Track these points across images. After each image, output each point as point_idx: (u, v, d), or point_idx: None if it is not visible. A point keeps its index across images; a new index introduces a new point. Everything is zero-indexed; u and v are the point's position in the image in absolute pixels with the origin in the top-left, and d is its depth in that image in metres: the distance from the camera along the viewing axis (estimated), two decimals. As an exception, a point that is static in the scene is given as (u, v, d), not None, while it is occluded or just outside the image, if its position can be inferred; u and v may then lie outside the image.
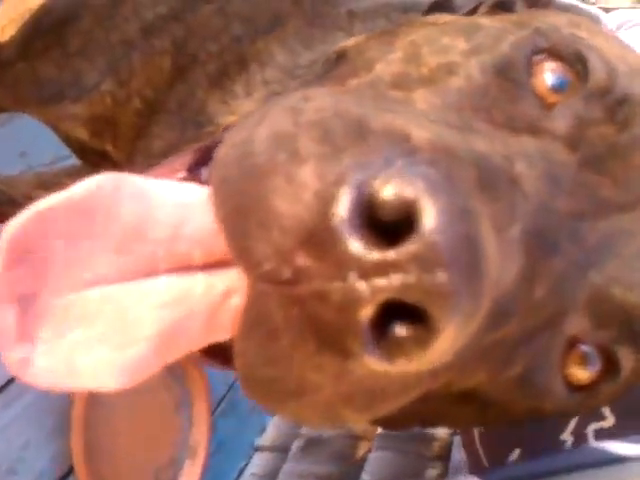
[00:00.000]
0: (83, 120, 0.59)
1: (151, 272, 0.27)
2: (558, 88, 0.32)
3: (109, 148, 0.61)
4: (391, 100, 0.31)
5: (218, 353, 0.30)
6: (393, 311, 0.22)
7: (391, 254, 0.21)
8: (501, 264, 0.24)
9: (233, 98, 0.53)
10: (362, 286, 0.22)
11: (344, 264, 0.22)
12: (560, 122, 0.31)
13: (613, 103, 0.32)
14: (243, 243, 0.24)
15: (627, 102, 0.32)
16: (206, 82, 0.54)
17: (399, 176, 0.22)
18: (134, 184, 0.28)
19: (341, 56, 0.39)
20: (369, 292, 0.21)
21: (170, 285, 0.27)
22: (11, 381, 1.00)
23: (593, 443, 0.40)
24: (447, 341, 0.22)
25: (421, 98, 0.31)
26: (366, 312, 0.22)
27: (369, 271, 0.21)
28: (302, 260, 0.22)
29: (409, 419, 0.36)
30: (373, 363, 0.23)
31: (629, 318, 0.32)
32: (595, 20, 0.44)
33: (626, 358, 0.32)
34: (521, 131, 0.31)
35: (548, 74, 0.32)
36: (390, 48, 0.35)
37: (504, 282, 0.25)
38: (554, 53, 0.33)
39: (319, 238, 0.22)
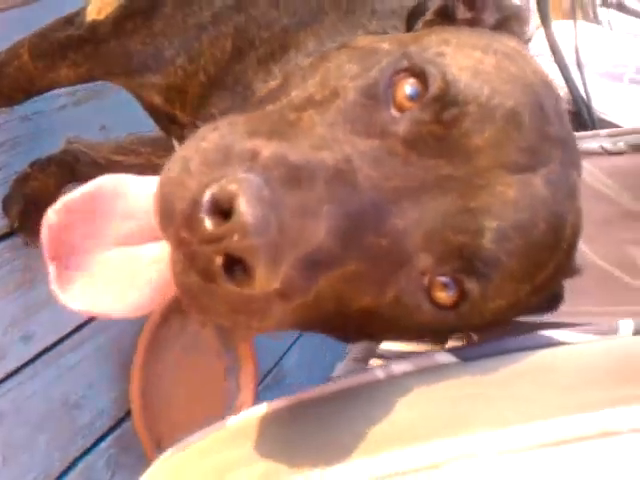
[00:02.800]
0: (160, 88, 0.71)
1: (141, 240, 0.42)
2: (412, 97, 0.43)
3: (178, 112, 0.72)
4: (283, 122, 0.43)
5: None
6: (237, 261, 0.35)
7: (223, 229, 0.34)
8: (300, 229, 0.36)
9: (272, 78, 0.63)
10: (211, 248, 0.35)
11: (203, 236, 0.35)
12: (402, 125, 0.42)
13: (443, 107, 0.42)
14: (162, 226, 0.38)
15: (457, 105, 0.42)
16: (256, 64, 0.65)
17: (231, 185, 0.35)
18: (124, 181, 0.42)
19: (281, 82, 0.52)
20: (214, 250, 0.35)
21: (153, 248, 0.42)
22: (82, 325, 1.12)
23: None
24: (262, 275, 0.35)
25: (307, 117, 0.43)
26: (218, 261, 0.35)
27: (214, 239, 0.35)
28: (187, 234, 0.36)
29: (328, 327, 0.48)
30: (231, 288, 0.36)
31: (465, 255, 0.42)
32: (518, 19, 0.53)
33: (471, 285, 0.43)
34: (374, 136, 0.42)
35: (405, 87, 0.43)
36: (313, 74, 0.47)
37: (310, 242, 0.37)
38: (410, 71, 0.44)
39: (194, 222, 0.35)
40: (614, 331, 0.43)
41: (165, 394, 1.25)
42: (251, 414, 0.48)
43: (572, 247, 0.49)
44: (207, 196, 0.35)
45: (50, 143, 1.09)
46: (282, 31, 0.64)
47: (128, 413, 1.20)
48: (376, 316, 0.45)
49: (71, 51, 0.79)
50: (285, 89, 0.48)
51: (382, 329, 0.48)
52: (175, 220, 0.36)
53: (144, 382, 1.19)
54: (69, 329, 1.10)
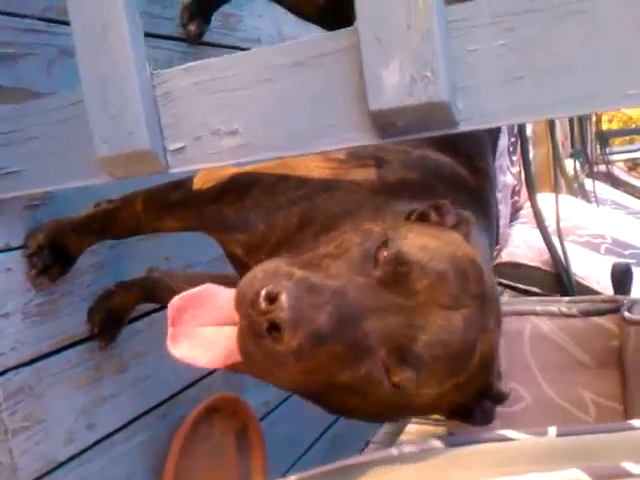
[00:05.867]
0: (242, 243, 0.97)
1: (222, 323, 0.70)
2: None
3: (251, 261, 0.95)
4: (311, 263, 0.70)
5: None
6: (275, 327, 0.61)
7: (271, 308, 0.61)
8: (310, 315, 0.62)
9: (318, 244, 0.87)
10: (263, 318, 0.62)
11: (259, 311, 0.62)
12: (377, 272, 0.68)
13: (397, 264, 0.68)
14: (238, 308, 0.65)
15: (405, 265, 0.68)
16: (312, 235, 0.89)
17: (277, 287, 0.62)
18: (219, 289, 0.71)
19: (314, 245, 0.80)
20: (265, 320, 0.62)
21: (227, 329, 0.69)
22: (132, 420, 1.33)
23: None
24: (288, 335, 0.61)
25: (325, 262, 0.69)
26: (265, 325, 0.62)
27: (265, 313, 0.62)
28: (251, 310, 0.62)
29: (316, 396, 0.72)
30: (269, 343, 0.62)
31: (405, 353, 0.66)
32: (466, 222, 0.81)
33: (408, 373, 0.67)
34: (362, 276, 0.68)
35: (383, 252, 0.69)
36: (334, 240, 0.75)
37: (315, 323, 0.62)
38: (385, 245, 0.70)
39: (255, 305, 0.62)
40: (545, 433, 0.67)
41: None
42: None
43: (484, 367, 0.72)
44: (264, 291, 0.62)
45: (129, 267, 1.36)
46: (333, 215, 0.90)
47: (159, 505, 1.38)
48: (352, 388, 0.68)
49: (177, 209, 1.04)
50: (316, 248, 0.76)
51: (356, 401, 0.70)
52: (246, 303, 0.63)
53: (175, 477, 1.38)
54: (122, 423, 1.32)
